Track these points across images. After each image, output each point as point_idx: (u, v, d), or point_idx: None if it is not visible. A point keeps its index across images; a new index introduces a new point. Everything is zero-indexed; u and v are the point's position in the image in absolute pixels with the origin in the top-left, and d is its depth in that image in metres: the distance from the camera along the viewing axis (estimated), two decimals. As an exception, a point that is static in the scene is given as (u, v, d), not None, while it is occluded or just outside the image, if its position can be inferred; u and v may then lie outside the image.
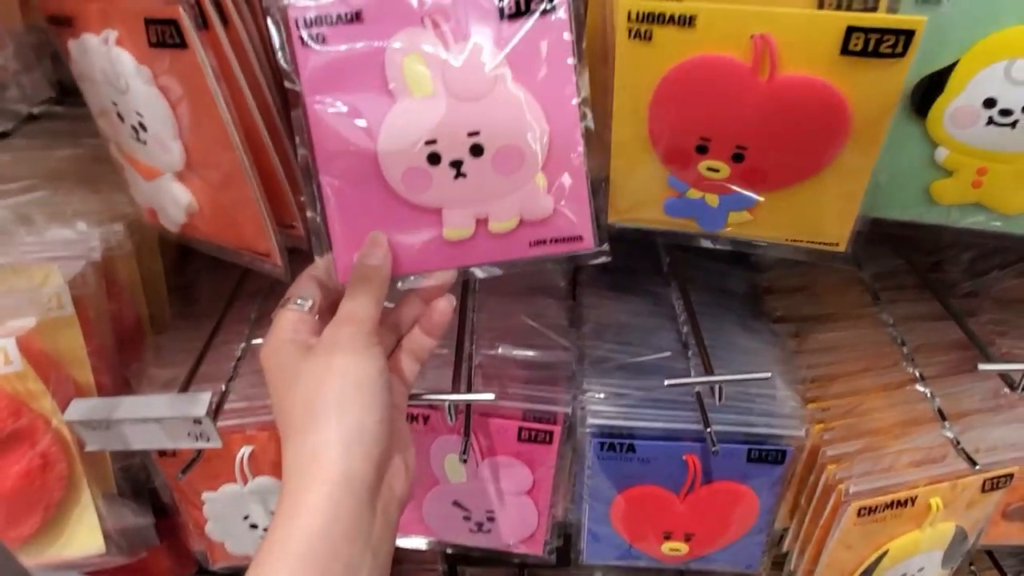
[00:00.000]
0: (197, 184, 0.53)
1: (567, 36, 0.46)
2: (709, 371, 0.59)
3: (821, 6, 0.46)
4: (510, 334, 0.70)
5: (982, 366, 0.56)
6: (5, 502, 0.56)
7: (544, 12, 0.45)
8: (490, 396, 0.58)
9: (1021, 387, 0.57)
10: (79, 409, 0.55)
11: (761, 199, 0.52)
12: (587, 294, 0.75)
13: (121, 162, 0.58)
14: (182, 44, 0.44)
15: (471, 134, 0.47)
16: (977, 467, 0.61)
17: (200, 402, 0.52)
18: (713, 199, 0.52)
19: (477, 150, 0.48)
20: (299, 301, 0.48)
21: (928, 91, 0.49)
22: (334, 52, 0.46)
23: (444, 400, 0.59)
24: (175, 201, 0.54)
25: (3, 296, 0.53)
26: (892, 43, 0.44)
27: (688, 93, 0.47)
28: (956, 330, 0.71)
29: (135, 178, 0.57)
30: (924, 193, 0.53)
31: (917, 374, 0.67)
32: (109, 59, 0.47)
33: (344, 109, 0.47)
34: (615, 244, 0.52)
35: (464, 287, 0.70)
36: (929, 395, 0.65)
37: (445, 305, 0.51)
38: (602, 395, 0.65)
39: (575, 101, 0.47)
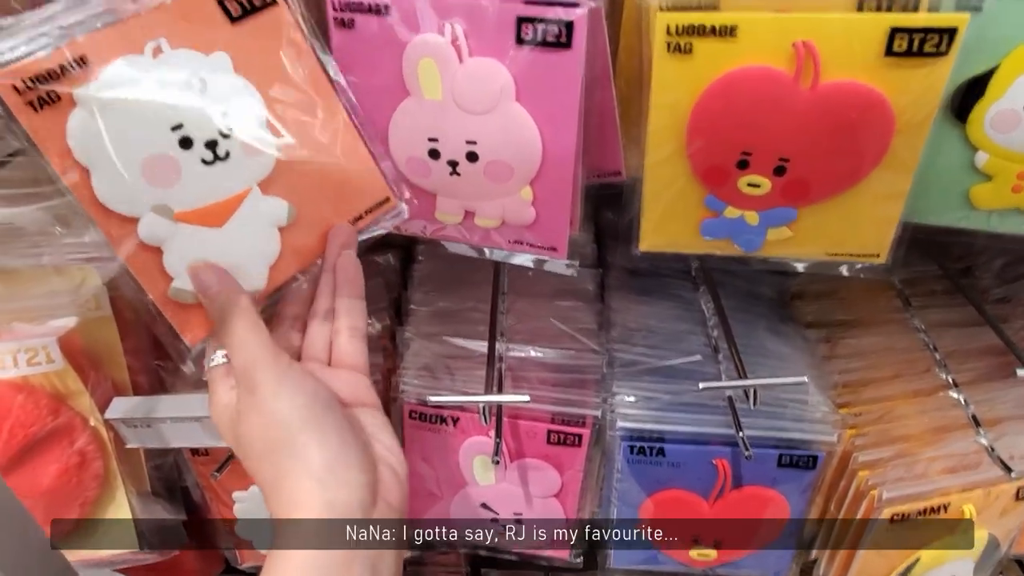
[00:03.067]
0: (289, 183, 0.47)
1: (578, 71, 0.47)
2: (742, 375, 0.59)
3: (860, 8, 0.46)
4: (539, 336, 0.70)
5: (1021, 371, 0.56)
6: (43, 499, 0.57)
7: (559, 46, 0.46)
8: (524, 397, 0.58)
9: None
10: (120, 408, 0.55)
11: (801, 213, 0.52)
12: (615, 297, 0.75)
13: (165, 234, 0.45)
14: (271, 1, 0.45)
15: (469, 142, 0.50)
16: (1012, 474, 0.60)
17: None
18: (752, 217, 0.52)
19: (473, 156, 0.51)
20: (216, 356, 0.46)
21: (968, 95, 0.49)
22: (360, 36, 0.48)
23: (478, 402, 0.59)
24: (269, 220, 0.47)
25: (44, 297, 0.54)
26: (936, 42, 0.44)
27: (729, 106, 0.47)
28: (988, 336, 0.70)
29: (193, 245, 0.46)
30: (963, 198, 0.53)
31: (950, 380, 0.66)
32: (166, 70, 0.43)
33: (366, 91, 0.50)
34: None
35: (494, 289, 0.70)
36: (962, 401, 0.65)
37: (348, 257, 0.49)
38: (632, 398, 0.65)
39: (575, 131, 0.49)
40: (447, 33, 0.46)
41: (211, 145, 0.44)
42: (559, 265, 0.57)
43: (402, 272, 0.81)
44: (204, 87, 0.44)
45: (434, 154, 0.51)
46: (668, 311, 0.72)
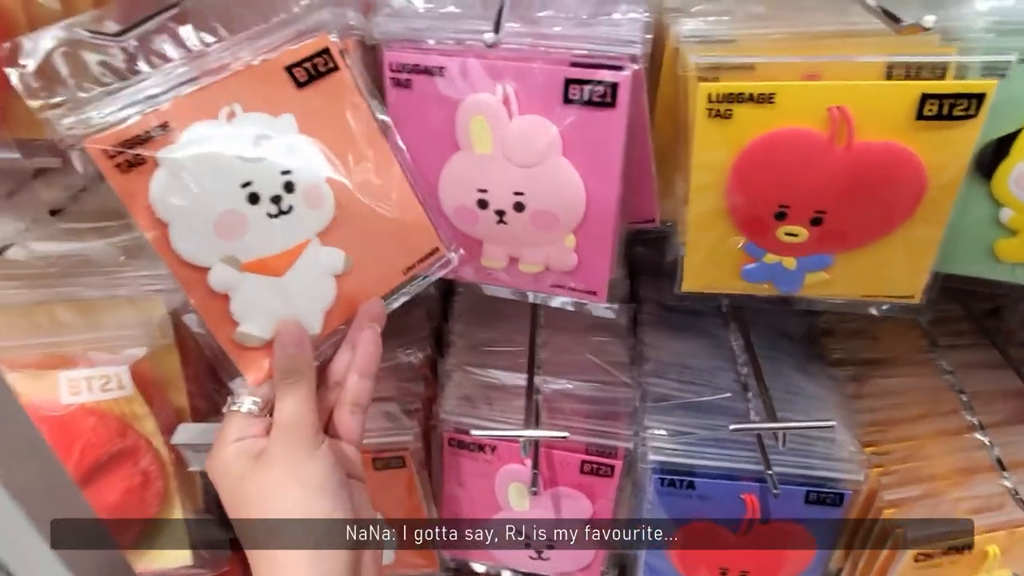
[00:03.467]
0: (346, 233, 0.50)
1: (621, 128, 0.51)
2: (772, 417, 0.61)
3: (889, 76, 0.49)
4: (574, 369, 0.73)
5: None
6: (109, 514, 0.60)
7: (604, 105, 0.49)
8: (563, 434, 0.61)
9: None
10: (186, 433, 0.59)
11: (837, 258, 0.54)
12: (648, 333, 0.78)
13: (232, 283, 0.48)
14: (334, 68, 0.49)
15: (517, 193, 0.54)
16: (1038, 517, 0.61)
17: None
18: (791, 262, 0.55)
19: (520, 207, 0.54)
20: (249, 400, 0.47)
21: (994, 155, 0.51)
22: (415, 95, 0.52)
23: (519, 436, 0.62)
24: (326, 268, 0.50)
25: (117, 326, 0.58)
26: (965, 107, 0.47)
27: (768, 164, 0.50)
28: (1014, 379, 0.72)
29: (257, 292, 0.48)
30: (989, 251, 0.55)
31: (976, 422, 0.68)
32: (237, 131, 0.46)
33: (418, 145, 0.53)
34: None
35: (532, 324, 0.73)
36: (988, 443, 0.66)
37: (369, 334, 0.50)
38: (663, 432, 0.67)
39: (617, 182, 0.52)
40: (499, 92, 0.50)
41: (276, 200, 0.48)
42: (599, 308, 0.60)
43: (443, 303, 0.84)
44: (272, 146, 0.48)
45: (482, 204, 0.54)
46: (700, 347, 0.75)
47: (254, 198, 0.47)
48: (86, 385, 0.57)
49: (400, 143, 0.53)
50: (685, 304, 0.78)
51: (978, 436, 0.67)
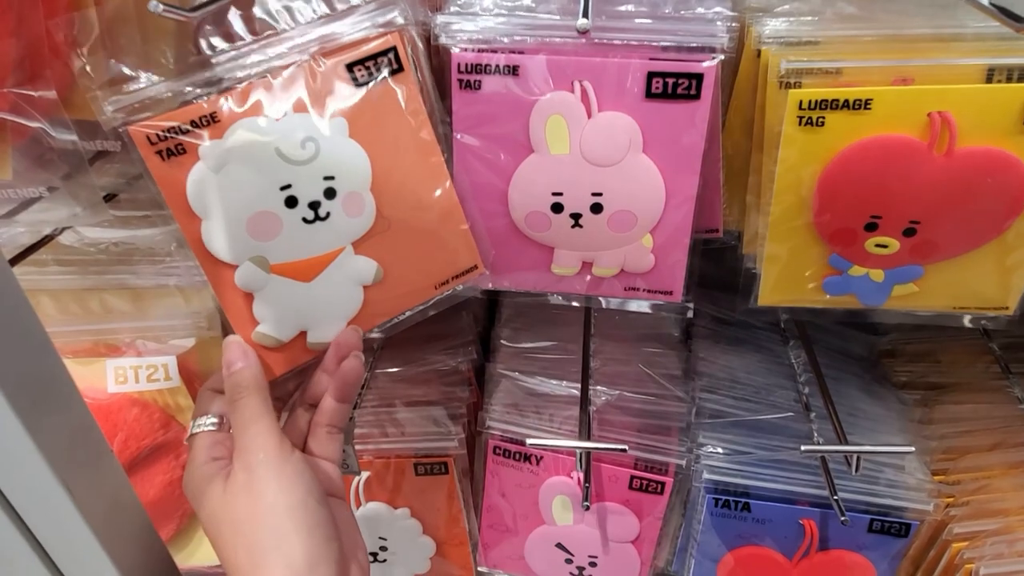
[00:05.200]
0: (383, 243, 0.49)
1: (703, 121, 0.48)
2: (841, 437, 0.58)
3: (989, 80, 0.46)
4: (625, 380, 0.70)
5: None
6: (149, 508, 0.59)
7: (688, 98, 0.48)
8: (622, 447, 0.58)
9: None
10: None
11: (928, 269, 0.52)
12: (701, 346, 0.75)
13: (259, 283, 0.47)
14: (398, 69, 0.47)
15: (595, 194, 0.51)
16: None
17: (348, 428, 0.53)
18: (878, 275, 0.52)
19: (597, 208, 0.52)
20: (204, 421, 0.46)
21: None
22: (486, 97, 0.49)
23: (576, 447, 0.59)
24: (356, 278, 0.49)
25: (166, 316, 0.57)
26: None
27: (861, 173, 0.47)
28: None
29: (282, 295, 0.48)
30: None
31: (1054, 455, 0.64)
32: (285, 132, 0.45)
33: (486, 149, 0.51)
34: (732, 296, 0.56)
35: (585, 331, 0.71)
36: (1069, 479, 0.62)
37: (354, 363, 0.48)
38: (720, 450, 0.64)
39: (697, 178, 0.51)
40: (576, 90, 0.48)
41: (314, 206, 0.46)
42: (675, 308, 0.58)
43: (489, 307, 0.82)
44: (318, 150, 0.46)
45: (557, 208, 0.52)
46: (756, 363, 0.72)
47: (292, 201, 0.46)
48: (133, 374, 0.56)
49: (467, 147, 0.51)
50: (741, 318, 0.76)
51: (1057, 470, 0.63)
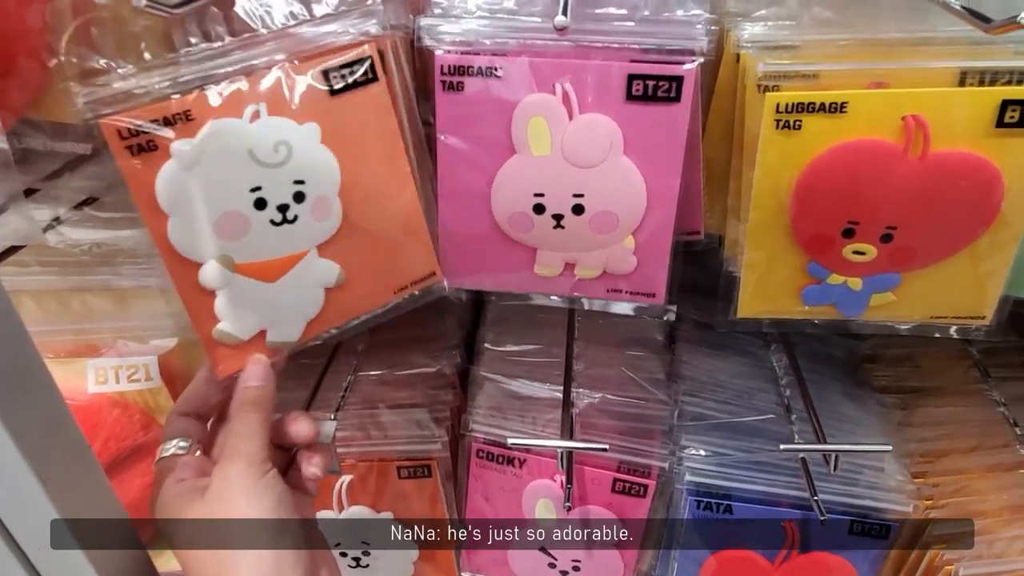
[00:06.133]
0: (346, 247, 0.50)
1: (683, 124, 0.49)
2: (821, 438, 0.58)
3: (962, 83, 0.47)
4: (608, 383, 0.70)
5: None
6: (129, 509, 0.59)
7: (668, 100, 0.48)
8: (603, 446, 0.58)
9: None
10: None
11: (905, 278, 0.52)
12: (685, 349, 0.75)
13: (222, 282, 0.47)
14: (373, 78, 0.47)
15: (576, 195, 0.52)
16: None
17: (327, 428, 0.53)
18: (856, 283, 0.52)
19: (579, 209, 0.52)
20: (174, 444, 0.47)
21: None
22: (469, 99, 0.50)
23: (556, 447, 0.60)
24: (319, 280, 0.50)
25: (148, 317, 0.57)
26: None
27: (837, 178, 0.47)
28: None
29: (244, 294, 0.48)
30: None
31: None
32: (258, 134, 0.45)
33: (469, 151, 0.51)
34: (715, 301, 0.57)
35: (568, 334, 0.71)
36: (1046, 480, 0.63)
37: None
38: (702, 452, 0.65)
39: (678, 179, 0.51)
40: (558, 92, 0.48)
41: (283, 208, 0.47)
42: (658, 310, 0.58)
43: (474, 311, 0.82)
44: (290, 154, 0.46)
45: (539, 209, 0.52)
46: (739, 367, 0.72)
47: (261, 203, 0.46)
48: (113, 375, 0.56)
49: (451, 148, 0.51)
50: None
51: (1034, 471, 0.64)
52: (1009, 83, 0.46)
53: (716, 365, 0.73)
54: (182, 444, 0.47)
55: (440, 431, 0.68)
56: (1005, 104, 0.44)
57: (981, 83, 0.46)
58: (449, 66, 0.49)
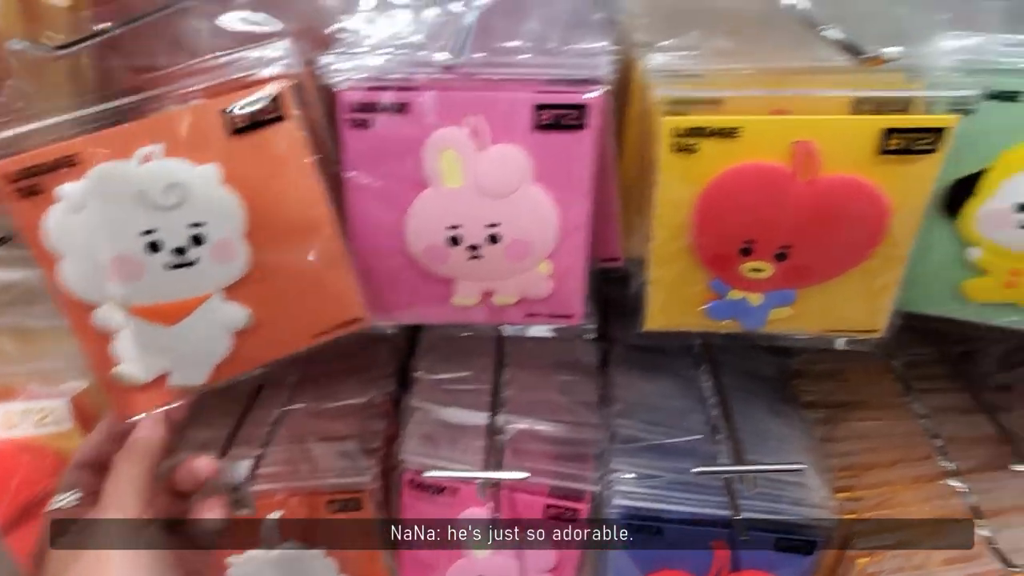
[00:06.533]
0: (257, 291, 0.49)
1: (590, 151, 0.50)
2: (739, 458, 0.59)
3: (856, 111, 0.48)
4: (540, 409, 0.70)
5: (1016, 466, 0.56)
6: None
7: (575, 128, 0.49)
8: (523, 474, 0.58)
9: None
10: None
11: (801, 294, 0.53)
12: (617, 372, 0.76)
13: (117, 324, 0.47)
14: (280, 117, 0.46)
15: (490, 225, 0.52)
16: (1015, 568, 0.59)
17: (239, 469, 0.52)
18: (756, 298, 0.54)
19: (494, 239, 0.53)
20: (66, 496, 0.47)
21: (959, 194, 0.51)
22: (377, 135, 0.50)
23: (475, 478, 0.59)
24: (225, 324, 0.49)
25: (60, 358, 0.56)
26: (927, 141, 0.46)
27: (733, 199, 0.49)
28: (989, 424, 0.70)
29: (143, 336, 0.48)
30: (956, 290, 0.54)
31: (951, 468, 0.66)
32: (148, 177, 0.44)
33: (380, 187, 0.52)
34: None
35: (496, 360, 0.71)
36: (963, 490, 0.64)
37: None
38: (631, 475, 0.65)
39: (588, 204, 0.52)
40: (467, 125, 0.49)
41: (179, 251, 0.47)
42: (576, 331, 0.59)
43: (409, 339, 0.82)
44: (185, 197, 0.45)
45: (454, 240, 0.53)
46: (670, 388, 0.73)
47: (154, 247, 0.46)
48: (22, 418, 0.55)
49: (360, 186, 0.51)
50: (656, 344, 0.77)
51: (953, 483, 0.65)
52: (900, 111, 0.48)
53: (647, 387, 0.73)
54: (74, 497, 0.46)
55: (370, 463, 0.67)
56: (887, 131, 0.45)
57: (873, 111, 0.48)
58: (355, 103, 0.49)
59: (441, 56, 0.48)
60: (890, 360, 0.78)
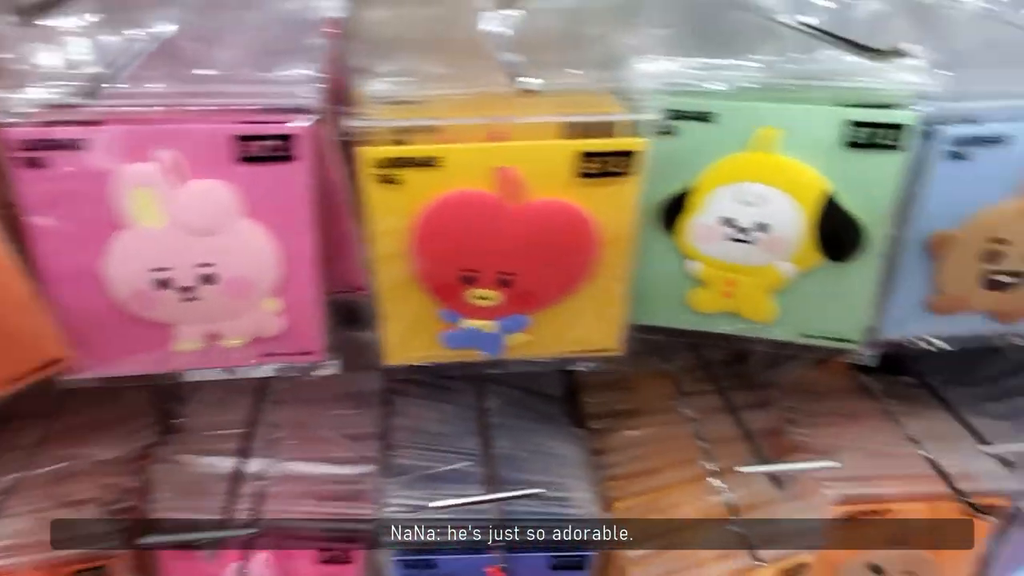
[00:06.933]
0: None
1: (304, 181, 0.48)
2: (496, 484, 0.59)
3: (567, 135, 0.49)
4: (310, 447, 0.68)
5: (743, 469, 0.59)
6: None
7: (282, 160, 0.46)
8: (252, 530, 0.55)
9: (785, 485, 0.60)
10: None
11: (535, 319, 0.53)
12: (399, 400, 0.74)
13: None
14: None
15: (202, 265, 0.49)
16: (763, 563, 0.62)
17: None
18: (489, 326, 0.53)
19: (209, 279, 0.50)
20: None
21: (672, 210, 0.52)
22: (54, 175, 0.45)
23: (202, 539, 0.56)
24: None
25: None
26: (622, 163, 0.47)
27: (445, 229, 0.48)
28: (754, 421, 0.74)
29: None
30: (682, 302, 0.56)
31: (714, 468, 0.69)
32: None
33: (68, 230, 0.47)
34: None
35: (266, 400, 0.68)
36: (722, 489, 0.67)
37: None
38: (402, 510, 0.63)
39: (309, 237, 0.49)
40: (160, 160, 0.45)
41: None
42: (317, 367, 0.56)
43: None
44: None
45: (163, 284, 0.49)
46: (450, 414, 0.72)
47: None
48: None
49: (45, 230, 0.46)
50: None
51: (714, 482, 0.68)
52: (606, 134, 0.48)
53: (427, 415, 0.72)
54: None
55: (117, 526, 0.61)
56: (582, 155, 0.46)
57: (583, 134, 0.48)
58: (25, 141, 0.44)
59: (122, 87, 0.45)
60: (667, 365, 0.81)
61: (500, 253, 0.49)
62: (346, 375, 0.74)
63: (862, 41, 0.51)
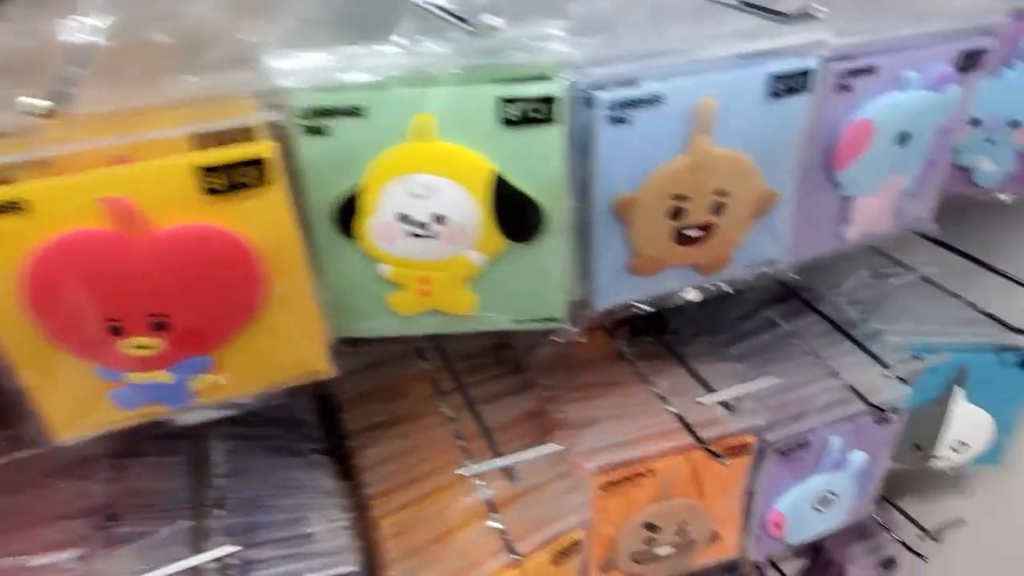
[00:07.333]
0: None
1: None
2: (204, 537, 0.53)
3: (200, 147, 0.43)
4: (14, 538, 0.58)
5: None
6: None
7: None
8: None
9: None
10: None
11: (219, 356, 0.47)
12: (129, 462, 0.66)
13: None
14: None
15: None
16: (519, 556, 0.61)
17: None
18: (163, 376, 0.47)
19: None
20: None
21: (347, 213, 0.48)
22: None
23: None
24: None
25: None
26: (253, 173, 0.42)
27: (59, 280, 0.41)
28: (516, 408, 0.73)
29: None
30: (385, 307, 0.52)
31: (474, 467, 0.67)
32: None
33: None
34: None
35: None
36: (481, 486, 0.65)
37: None
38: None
39: None
40: None
41: None
42: None
43: None
44: None
45: None
46: (176, 468, 0.65)
47: None
48: None
49: None
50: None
51: (475, 480, 0.66)
52: (246, 139, 0.43)
53: (155, 473, 0.64)
54: None
55: None
56: (202, 170, 0.41)
57: (217, 144, 0.43)
58: None
59: None
60: (425, 364, 0.78)
61: (139, 294, 0.42)
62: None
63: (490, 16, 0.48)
